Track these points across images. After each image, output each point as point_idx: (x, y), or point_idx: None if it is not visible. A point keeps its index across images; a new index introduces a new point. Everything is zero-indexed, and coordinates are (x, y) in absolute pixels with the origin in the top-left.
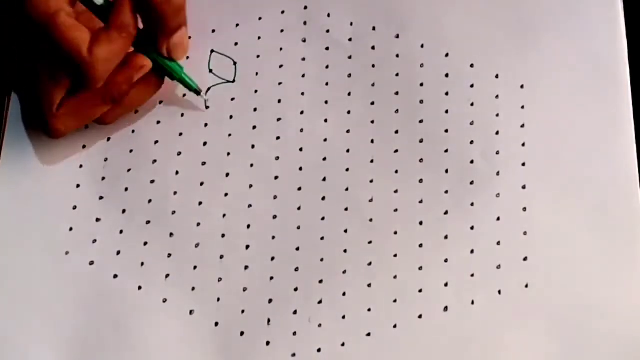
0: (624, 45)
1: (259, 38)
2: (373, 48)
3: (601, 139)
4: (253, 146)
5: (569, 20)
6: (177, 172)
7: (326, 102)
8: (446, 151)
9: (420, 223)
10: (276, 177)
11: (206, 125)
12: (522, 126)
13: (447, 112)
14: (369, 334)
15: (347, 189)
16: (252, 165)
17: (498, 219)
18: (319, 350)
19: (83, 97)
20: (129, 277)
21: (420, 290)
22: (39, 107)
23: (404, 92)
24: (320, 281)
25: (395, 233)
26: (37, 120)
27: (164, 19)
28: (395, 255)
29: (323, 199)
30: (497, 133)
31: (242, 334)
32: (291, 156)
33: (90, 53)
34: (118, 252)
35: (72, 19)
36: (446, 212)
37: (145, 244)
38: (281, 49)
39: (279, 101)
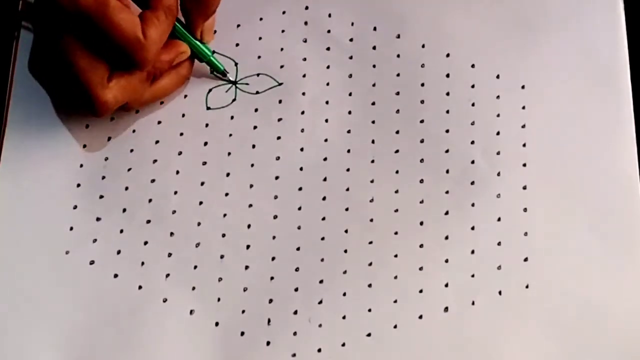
0: (625, 45)
1: (260, 38)
2: (374, 48)
3: (602, 139)
4: (254, 146)
5: (569, 21)
6: (177, 172)
7: (327, 102)
8: (447, 151)
9: (421, 223)
10: (277, 177)
11: (207, 125)
12: (523, 126)
13: (447, 112)
14: (369, 334)
15: (347, 189)
16: (252, 165)
17: (499, 219)
18: (319, 350)
19: (131, 73)
20: (129, 276)
21: (421, 291)
22: (81, 85)
23: (405, 92)
24: (321, 281)
25: (396, 233)
26: (77, 100)
27: (208, 2)
28: (396, 256)
29: (324, 199)
30: (498, 133)
31: (242, 334)
32: (292, 156)
33: (144, 35)
34: (118, 252)
35: (120, 3)
36: (447, 213)
37: (146, 243)
38: (282, 49)
39: (280, 101)
